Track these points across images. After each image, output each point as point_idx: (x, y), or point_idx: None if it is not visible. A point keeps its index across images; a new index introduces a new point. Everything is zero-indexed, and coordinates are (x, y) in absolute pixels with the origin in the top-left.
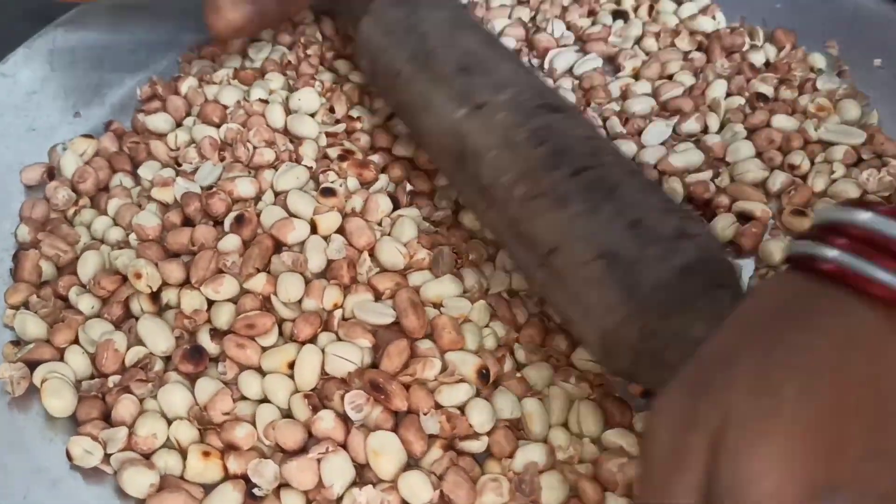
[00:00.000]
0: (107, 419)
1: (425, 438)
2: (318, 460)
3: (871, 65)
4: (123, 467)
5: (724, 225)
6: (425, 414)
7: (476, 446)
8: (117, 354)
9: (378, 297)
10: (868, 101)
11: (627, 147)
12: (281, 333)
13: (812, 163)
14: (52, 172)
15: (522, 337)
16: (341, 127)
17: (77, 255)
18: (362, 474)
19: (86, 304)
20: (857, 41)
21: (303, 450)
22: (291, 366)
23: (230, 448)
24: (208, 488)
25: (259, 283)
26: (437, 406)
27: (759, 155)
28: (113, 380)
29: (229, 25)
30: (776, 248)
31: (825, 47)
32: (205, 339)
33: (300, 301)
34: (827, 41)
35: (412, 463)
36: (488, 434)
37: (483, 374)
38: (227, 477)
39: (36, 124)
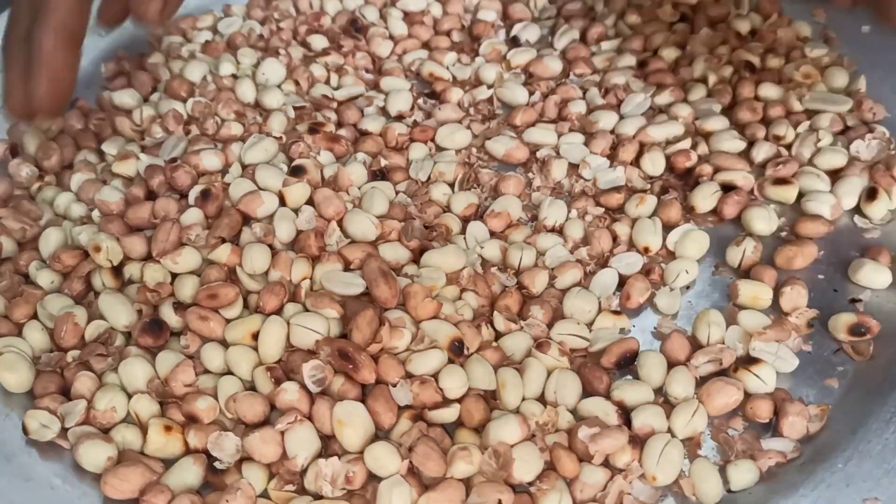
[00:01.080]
0: (65, 394)
1: (394, 409)
2: (283, 432)
3: (858, 31)
4: (80, 441)
5: (705, 193)
6: (395, 385)
7: (447, 415)
8: (77, 328)
9: (347, 267)
10: (856, 67)
11: (608, 118)
12: (246, 306)
13: (797, 133)
14: (14, 149)
15: (499, 307)
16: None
17: (39, 232)
18: (328, 446)
19: (45, 279)
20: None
21: (265, 423)
22: (255, 337)
23: (191, 421)
24: (168, 463)
25: (224, 253)
26: (408, 376)
27: (742, 126)
28: (72, 354)
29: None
30: (758, 217)
31: (812, 15)
32: (167, 313)
33: (266, 273)
34: (813, 9)
35: (380, 435)
36: (459, 401)
37: (456, 346)
38: (188, 451)
39: None
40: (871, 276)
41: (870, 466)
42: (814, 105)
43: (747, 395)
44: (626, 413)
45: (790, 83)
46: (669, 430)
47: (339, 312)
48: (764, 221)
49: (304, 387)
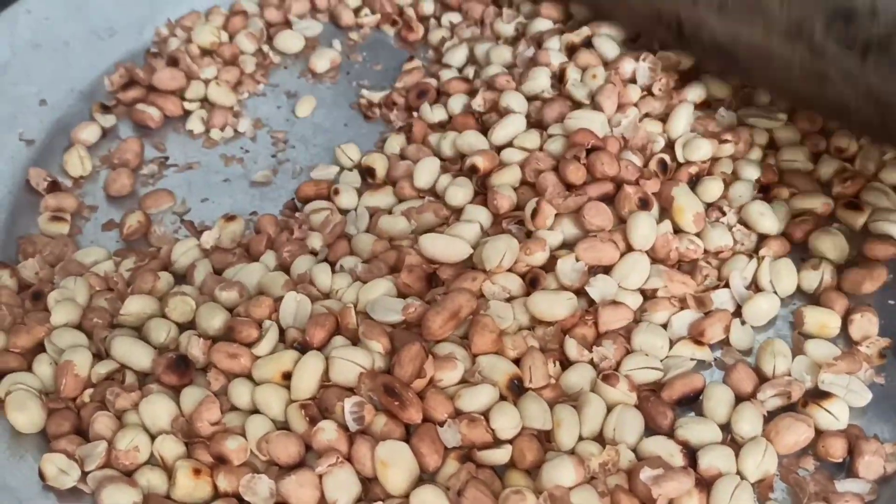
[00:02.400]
0: (80, 433)
1: (441, 451)
2: (321, 475)
3: None
4: (102, 486)
5: (780, 216)
6: (442, 424)
7: (498, 456)
8: (77, 379)
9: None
10: None
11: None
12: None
13: (860, 145)
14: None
15: (576, 335)
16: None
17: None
18: (369, 489)
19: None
20: None
21: (300, 464)
22: (286, 377)
23: (220, 462)
24: None
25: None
26: (457, 413)
27: (803, 139)
28: (88, 392)
29: None
30: (830, 242)
31: None
32: (193, 348)
33: None
34: None
35: (425, 478)
36: (510, 441)
37: (515, 384)
38: (218, 496)
39: None
40: None
41: None
42: None
43: (818, 433)
44: (691, 453)
45: None
46: (738, 472)
47: (385, 346)
48: (838, 249)
49: (342, 426)
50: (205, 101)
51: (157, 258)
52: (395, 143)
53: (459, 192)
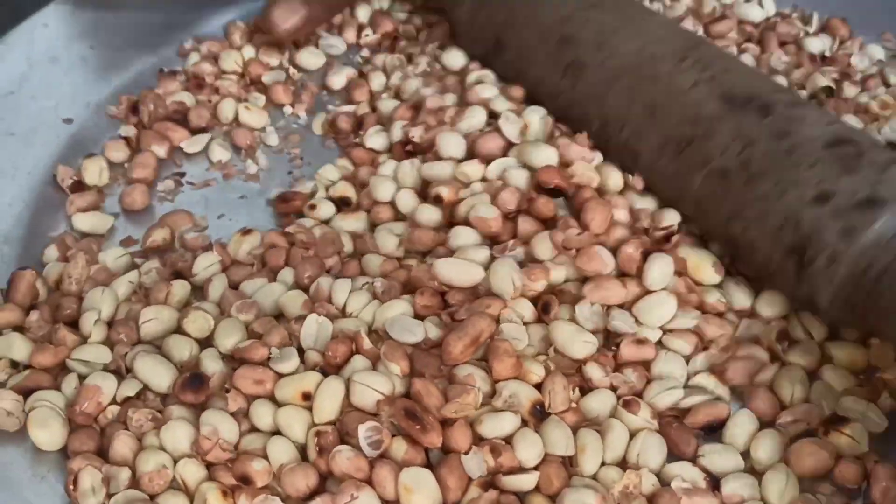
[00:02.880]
0: (101, 453)
1: (465, 483)
2: None
3: None
4: None
5: None
6: (467, 453)
7: (525, 482)
8: (99, 406)
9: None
10: None
11: None
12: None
13: None
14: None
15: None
16: None
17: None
18: None
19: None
20: None
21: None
22: (307, 397)
23: (244, 483)
24: None
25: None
26: (479, 438)
27: None
28: (112, 410)
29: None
30: None
31: (881, 39)
32: (211, 364)
33: None
34: (881, 32)
35: None
36: (536, 468)
37: (538, 410)
38: None
39: (14, 128)
40: None
41: None
42: (893, 137)
43: (837, 458)
44: (714, 480)
45: (866, 114)
46: (762, 500)
47: (405, 370)
48: None
49: (360, 451)
50: (233, 123)
51: (177, 268)
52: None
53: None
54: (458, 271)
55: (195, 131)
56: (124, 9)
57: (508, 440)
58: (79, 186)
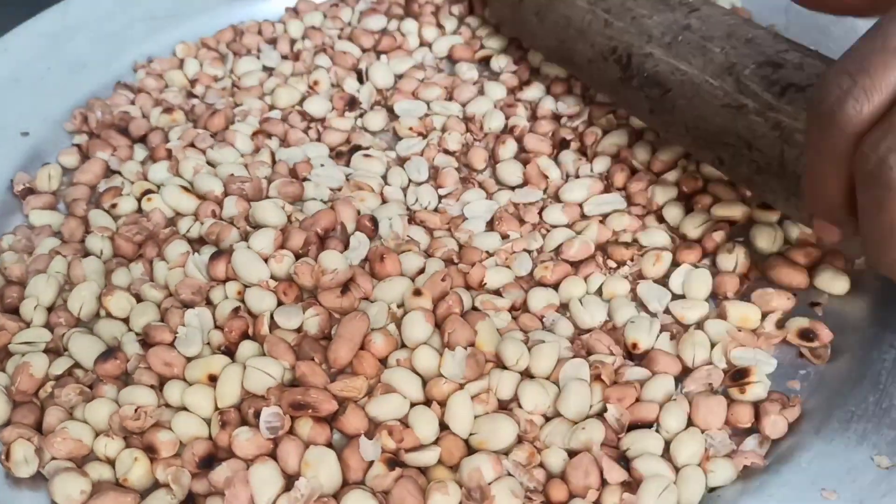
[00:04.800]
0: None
1: (367, 463)
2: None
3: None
4: (54, 474)
5: (696, 223)
6: (364, 435)
7: (428, 458)
8: (32, 379)
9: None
10: None
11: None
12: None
13: None
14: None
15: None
16: None
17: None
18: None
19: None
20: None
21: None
22: (213, 379)
23: (149, 452)
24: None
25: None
26: (372, 422)
27: None
28: (47, 388)
29: None
30: (762, 235)
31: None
32: (131, 347)
33: None
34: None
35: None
36: (436, 443)
37: None
38: (158, 485)
39: None
40: (830, 281)
41: (833, 465)
42: None
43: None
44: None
45: None
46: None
47: (291, 362)
48: (769, 240)
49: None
50: None
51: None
52: None
53: None
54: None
55: (135, 140)
56: (80, 33)
57: (405, 421)
58: (30, 192)
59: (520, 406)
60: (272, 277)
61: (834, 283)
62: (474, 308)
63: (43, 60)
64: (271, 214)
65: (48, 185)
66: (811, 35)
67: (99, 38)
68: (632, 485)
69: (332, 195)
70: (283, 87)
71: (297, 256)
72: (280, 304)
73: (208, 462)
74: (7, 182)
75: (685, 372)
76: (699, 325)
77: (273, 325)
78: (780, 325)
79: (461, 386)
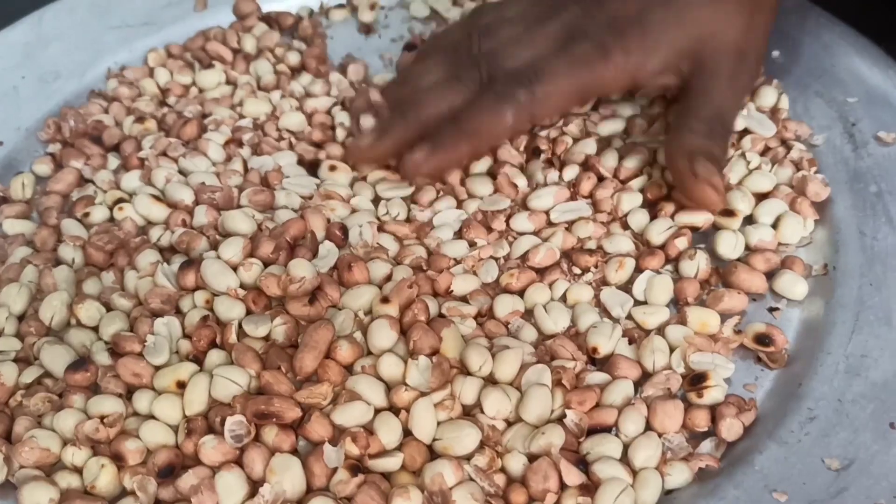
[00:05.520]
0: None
1: (331, 469)
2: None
3: (769, 56)
4: (24, 483)
5: (659, 229)
6: (328, 442)
7: (391, 463)
8: (3, 388)
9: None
10: (782, 87)
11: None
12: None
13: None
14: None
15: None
16: None
17: None
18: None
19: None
20: None
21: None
22: (181, 385)
23: (117, 460)
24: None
25: None
26: (337, 429)
27: None
28: (16, 397)
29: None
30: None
31: None
32: (101, 357)
33: None
34: None
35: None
36: (399, 448)
37: None
38: (125, 493)
39: None
40: (789, 286)
41: (784, 468)
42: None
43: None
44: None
45: None
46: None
47: (257, 370)
48: (730, 246)
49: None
50: None
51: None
52: None
53: None
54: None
55: (108, 149)
56: (54, 42)
57: (370, 427)
58: (3, 201)
59: (482, 411)
60: (241, 286)
61: (793, 289)
62: (441, 315)
63: (17, 70)
64: (241, 223)
65: (22, 194)
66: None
67: (73, 47)
68: (590, 488)
69: (304, 203)
70: (250, 97)
71: (266, 264)
72: (249, 312)
73: (169, 471)
74: None
75: (645, 376)
76: (660, 330)
77: (241, 334)
78: (738, 330)
79: (423, 393)
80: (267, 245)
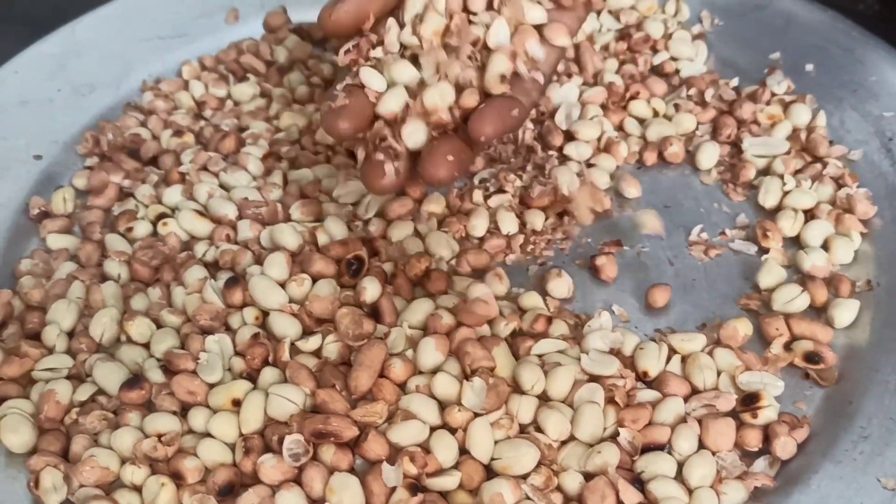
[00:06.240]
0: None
1: (390, 489)
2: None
3: (803, 69)
4: (86, 501)
5: None
6: (385, 461)
7: (448, 482)
8: (59, 406)
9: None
10: (816, 103)
11: None
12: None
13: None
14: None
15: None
16: None
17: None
18: None
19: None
20: (790, 46)
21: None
22: (236, 403)
23: (176, 478)
24: None
25: None
26: (394, 447)
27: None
28: (71, 415)
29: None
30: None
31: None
32: (154, 374)
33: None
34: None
35: None
36: (456, 467)
37: None
38: None
39: None
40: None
41: (841, 487)
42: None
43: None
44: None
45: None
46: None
47: (312, 388)
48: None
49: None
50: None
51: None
52: None
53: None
54: None
55: (146, 163)
56: (87, 54)
57: (425, 446)
58: (45, 216)
59: (538, 431)
60: (291, 301)
61: (841, 318)
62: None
63: (52, 82)
64: (289, 237)
65: (63, 209)
66: None
67: (106, 59)
68: None
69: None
70: (286, 110)
71: (315, 279)
72: (304, 327)
73: (229, 490)
74: (22, 205)
75: (692, 394)
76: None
77: (293, 351)
78: (787, 347)
79: (477, 414)
80: (319, 263)
